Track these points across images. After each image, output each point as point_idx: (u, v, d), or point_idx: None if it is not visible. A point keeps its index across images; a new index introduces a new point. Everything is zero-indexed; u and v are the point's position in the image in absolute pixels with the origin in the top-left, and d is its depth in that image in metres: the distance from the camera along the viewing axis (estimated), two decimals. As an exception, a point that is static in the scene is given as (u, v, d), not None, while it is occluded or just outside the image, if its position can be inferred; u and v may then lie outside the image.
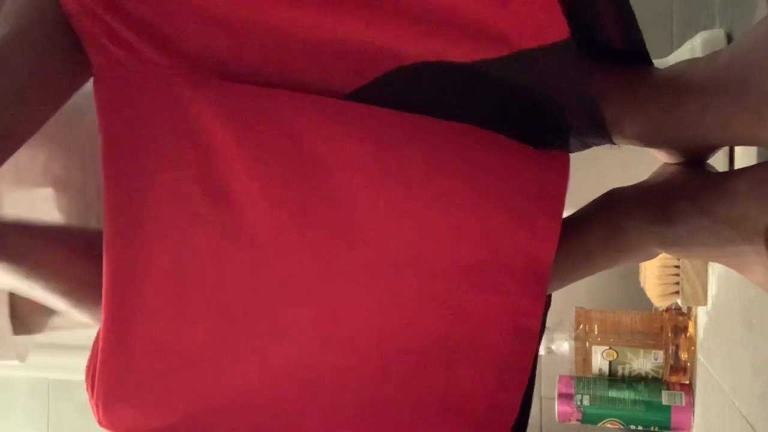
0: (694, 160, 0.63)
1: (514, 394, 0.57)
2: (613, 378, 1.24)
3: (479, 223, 0.55)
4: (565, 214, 0.63)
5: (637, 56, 0.61)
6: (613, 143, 0.62)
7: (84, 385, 0.62)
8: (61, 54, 0.58)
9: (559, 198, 0.56)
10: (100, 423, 0.59)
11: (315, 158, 0.55)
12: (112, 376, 0.58)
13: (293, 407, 0.57)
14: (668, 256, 0.92)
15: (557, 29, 0.54)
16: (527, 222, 0.55)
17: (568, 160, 0.58)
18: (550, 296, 0.65)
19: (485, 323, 0.56)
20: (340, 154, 0.55)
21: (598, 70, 0.60)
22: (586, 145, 0.63)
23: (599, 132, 0.60)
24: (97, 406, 0.59)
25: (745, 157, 0.84)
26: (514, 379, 0.57)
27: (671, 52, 1.02)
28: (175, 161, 0.56)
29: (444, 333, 0.56)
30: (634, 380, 1.23)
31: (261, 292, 0.56)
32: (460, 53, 0.55)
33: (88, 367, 0.60)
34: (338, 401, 0.57)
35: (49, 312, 0.78)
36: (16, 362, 0.81)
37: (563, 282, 0.63)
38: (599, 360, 1.23)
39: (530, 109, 0.59)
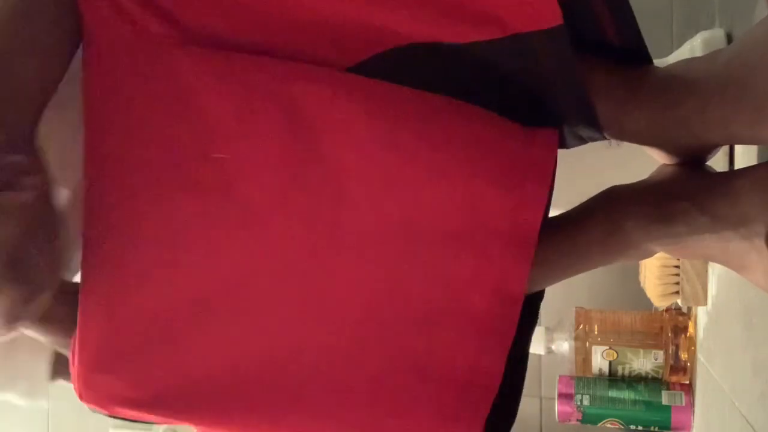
0: (692, 160, 0.63)
1: (496, 359, 0.56)
2: (613, 378, 1.24)
3: (465, 190, 0.55)
4: (562, 212, 0.63)
5: (637, 55, 0.61)
6: (605, 137, 0.62)
7: None
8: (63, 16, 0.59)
9: (546, 166, 0.56)
10: (80, 397, 0.59)
11: (307, 123, 0.55)
12: (92, 346, 0.58)
13: (276, 375, 0.57)
14: (668, 255, 0.92)
15: (550, 15, 0.54)
16: (513, 188, 0.55)
17: (556, 135, 0.59)
18: (543, 290, 0.65)
19: (468, 287, 0.56)
20: (331, 120, 0.55)
21: (597, 67, 0.60)
22: (580, 139, 0.63)
23: (590, 123, 0.60)
24: (77, 378, 0.59)
25: (745, 156, 0.84)
26: (496, 344, 0.56)
27: (671, 52, 1.02)
28: (168, 126, 0.56)
29: (427, 298, 0.56)
30: (634, 380, 1.23)
31: (249, 256, 0.56)
32: (454, 34, 0.56)
33: (72, 340, 0.60)
34: (321, 368, 0.57)
35: None
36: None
37: (560, 277, 0.63)
38: (599, 360, 1.23)
39: (522, 95, 0.59)
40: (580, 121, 0.60)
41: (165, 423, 0.61)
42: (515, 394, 0.62)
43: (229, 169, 0.55)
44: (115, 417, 0.61)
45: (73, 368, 0.59)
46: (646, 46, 0.60)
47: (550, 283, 0.63)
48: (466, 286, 0.56)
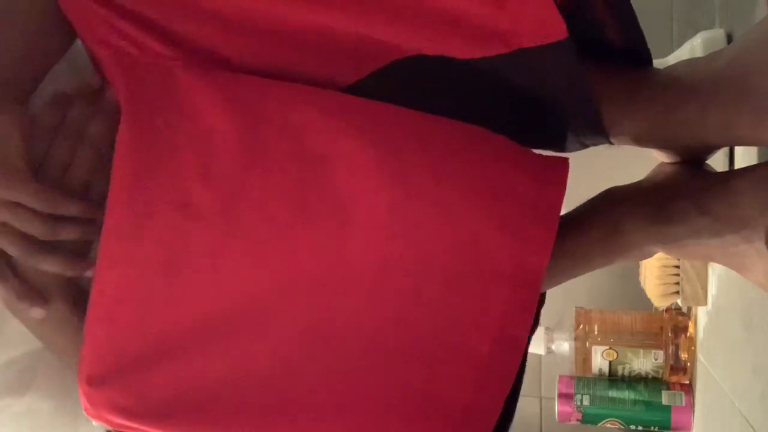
0: (692, 160, 0.63)
1: (493, 401, 0.56)
2: (613, 378, 1.24)
3: (472, 231, 0.55)
4: (562, 212, 0.63)
5: (638, 57, 0.61)
6: (611, 143, 0.62)
7: None
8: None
9: (554, 209, 0.56)
10: (86, 412, 0.59)
11: (314, 153, 0.55)
12: (95, 361, 0.58)
13: (276, 395, 0.57)
14: (668, 256, 0.92)
15: (555, 29, 0.54)
16: (520, 233, 0.55)
17: (566, 167, 0.58)
18: (544, 294, 0.65)
19: (470, 329, 0.56)
20: (339, 150, 0.55)
21: (598, 71, 0.60)
22: (583, 145, 0.63)
23: (597, 132, 0.60)
24: (82, 394, 0.59)
25: (745, 157, 0.84)
26: (495, 386, 0.56)
27: (671, 52, 1.02)
28: (173, 151, 0.56)
29: (429, 334, 0.56)
30: (634, 380, 1.23)
31: (254, 282, 0.56)
32: (459, 50, 0.56)
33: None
34: (320, 391, 0.57)
35: None
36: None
37: (560, 279, 0.63)
38: (599, 360, 1.23)
39: (528, 107, 0.59)
40: (587, 130, 0.60)
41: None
42: (512, 396, 0.62)
43: (233, 195, 0.55)
44: None
45: (80, 385, 0.59)
46: (648, 48, 0.60)
47: (551, 286, 0.63)
48: (467, 328, 0.56)
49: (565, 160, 0.59)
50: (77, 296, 0.64)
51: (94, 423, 0.60)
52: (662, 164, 0.65)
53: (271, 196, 0.55)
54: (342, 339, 0.56)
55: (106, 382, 0.58)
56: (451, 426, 0.57)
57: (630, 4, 0.57)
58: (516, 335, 0.56)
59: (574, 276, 0.63)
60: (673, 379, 1.21)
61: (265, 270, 0.56)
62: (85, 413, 0.60)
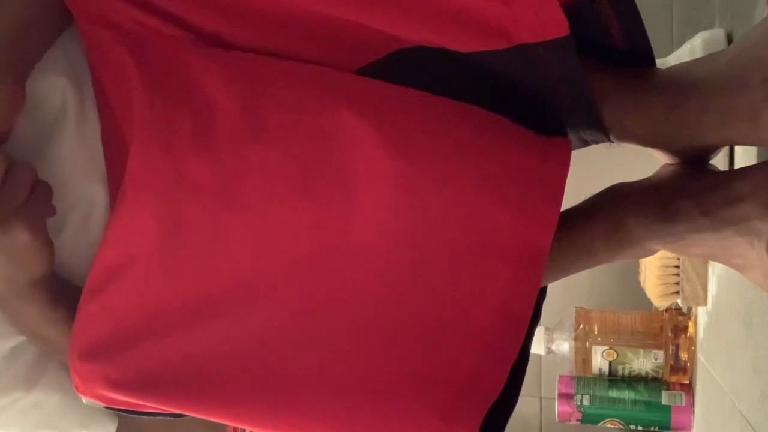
0: (694, 161, 0.63)
1: (495, 375, 0.56)
2: (613, 378, 1.24)
3: (477, 207, 0.55)
4: (565, 207, 0.63)
5: (640, 57, 0.61)
6: (611, 141, 0.62)
7: None
8: None
9: (558, 185, 0.56)
10: (77, 389, 0.59)
11: (317, 129, 0.55)
12: (86, 335, 0.58)
13: (275, 370, 0.57)
14: (668, 255, 0.92)
15: (557, 26, 0.54)
16: (525, 208, 0.55)
17: (569, 147, 0.58)
18: (545, 288, 0.65)
19: (474, 304, 0.56)
20: (343, 126, 0.55)
21: (600, 69, 0.60)
22: (584, 143, 0.63)
23: (596, 129, 0.60)
24: (72, 370, 0.59)
25: (745, 156, 0.84)
26: (498, 361, 0.56)
27: (671, 52, 1.02)
28: (174, 125, 0.56)
29: (432, 309, 0.56)
30: (634, 380, 1.23)
31: (252, 260, 0.56)
32: (460, 43, 0.56)
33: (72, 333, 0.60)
34: (321, 366, 0.57)
35: None
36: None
37: (561, 274, 0.63)
38: (599, 360, 1.23)
39: (528, 103, 0.59)
40: (587, 126, 0.60)
41: (156, 410, 0.60)
42: (514, 392, 0.62)
43: (233, 170, 0.55)
44: (111, 408, 0.61)
45: (71, 361, 0.59)
46: (651, 49, 0.60)
47: (553, 280, 0.64)
48: (471, 303, 0.56)
49: (567, 141, 0.59)
50: (60, 289, 0.64)
51: (84, 400, 0.60)
52: (666, 164, 0.65)
53: (272, 171, 0.55)
54: (342, 314, 0.56)
55: (100, 355, 0.58)
56: (452, 396, 0.56)
57: (636, 8, 0.57)
58: (520, 310, 0.56)
59: (576, 270, 0.63)
60: (673, 379, 1.21)
61: (265, 246, 0.56)
62: (76, 390, 0.59)
